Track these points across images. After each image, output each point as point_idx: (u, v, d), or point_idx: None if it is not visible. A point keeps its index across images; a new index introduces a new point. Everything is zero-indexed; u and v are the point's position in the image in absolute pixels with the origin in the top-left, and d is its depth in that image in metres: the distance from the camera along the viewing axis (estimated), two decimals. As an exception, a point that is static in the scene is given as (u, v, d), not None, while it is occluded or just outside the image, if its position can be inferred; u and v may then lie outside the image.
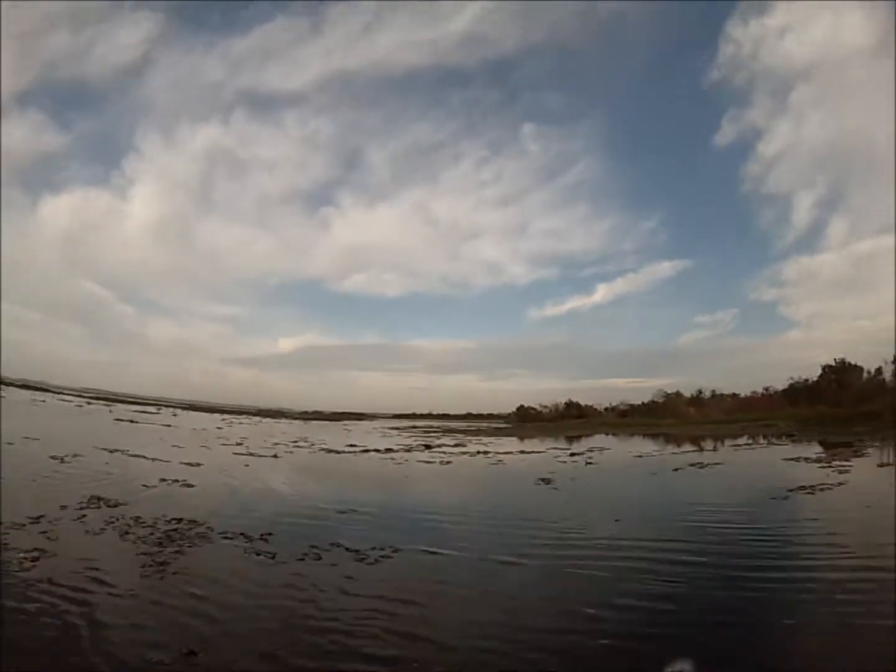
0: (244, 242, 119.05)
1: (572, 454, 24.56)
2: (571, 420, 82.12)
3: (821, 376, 51.17)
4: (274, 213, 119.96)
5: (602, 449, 27.30)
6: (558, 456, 24.02)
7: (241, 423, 48.93)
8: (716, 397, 61.87)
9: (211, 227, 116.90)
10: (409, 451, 26.25)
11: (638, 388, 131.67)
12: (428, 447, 28.67)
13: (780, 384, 55.33)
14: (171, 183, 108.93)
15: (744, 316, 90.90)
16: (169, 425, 35.34)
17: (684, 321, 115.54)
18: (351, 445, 28.30)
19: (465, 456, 24.32)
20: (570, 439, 36.49)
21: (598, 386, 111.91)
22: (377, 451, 25.37)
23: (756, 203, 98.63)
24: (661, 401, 71.41)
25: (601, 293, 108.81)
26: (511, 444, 33.29)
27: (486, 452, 26.00)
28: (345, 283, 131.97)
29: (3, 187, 76.79)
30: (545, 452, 26.79)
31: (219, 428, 38.32)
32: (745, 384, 58.13)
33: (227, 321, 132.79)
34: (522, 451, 27.39)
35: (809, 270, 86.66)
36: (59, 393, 68.37)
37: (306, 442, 29.71)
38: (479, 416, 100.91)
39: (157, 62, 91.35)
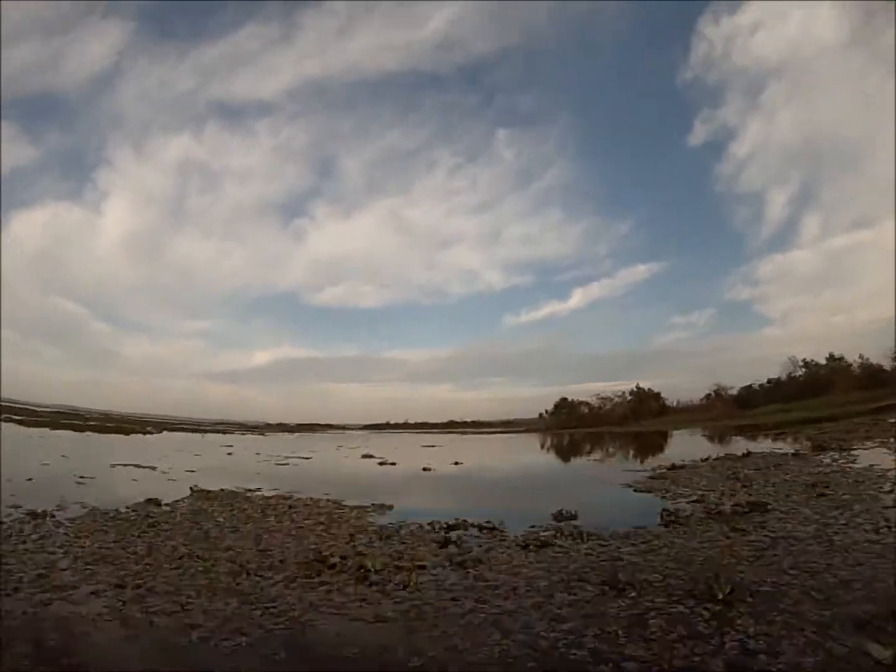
0: (217, 256, 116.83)
1: None
2: (653, 419, 59.65)
3: None
4: (247, 225, 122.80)
5: None
6: None
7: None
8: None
9: (184, 240, 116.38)
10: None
11: (617, 391, 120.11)
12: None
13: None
14: (145, 196, 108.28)
15: (720, 315, 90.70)
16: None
17: (661, 323, 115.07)
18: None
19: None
20: None
21: (577, 391, 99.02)
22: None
23: (729, 202, 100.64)
24: (797, 375, 53.61)
25: (577, 298, 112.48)
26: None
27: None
28: (321, 295, 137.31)
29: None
30: None
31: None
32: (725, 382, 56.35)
33: (202, 336, 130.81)
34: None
35: (784, 267, 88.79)
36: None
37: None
38: (464, 425, 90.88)
39: (128, 72, 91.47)
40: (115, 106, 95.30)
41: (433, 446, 36.61)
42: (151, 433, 51.30)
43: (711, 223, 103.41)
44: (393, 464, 20.84)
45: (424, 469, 18.05)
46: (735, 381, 60.24)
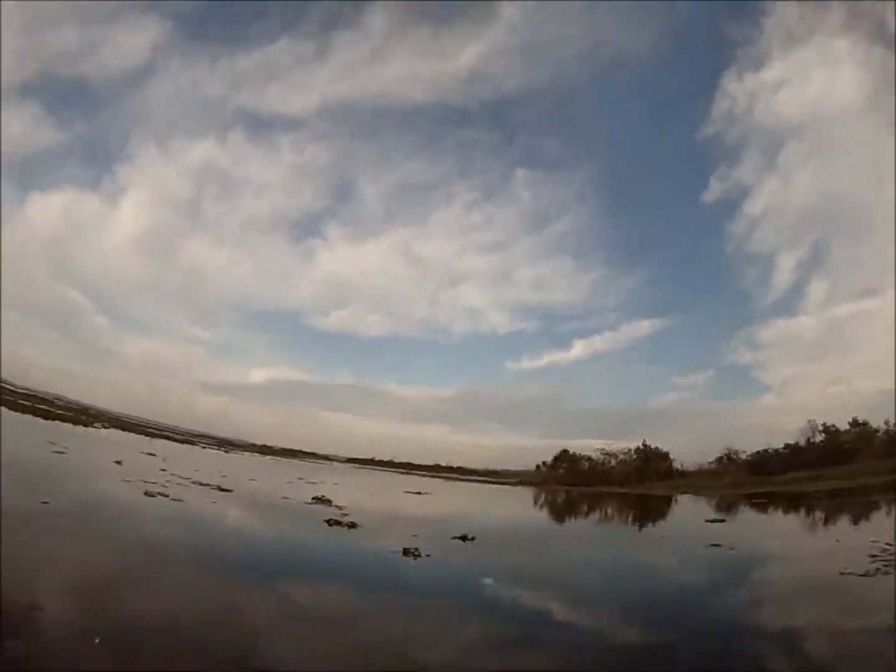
0: (226, 265, 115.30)
1: None
2: (660, 482, 54.01)
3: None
4: (259, 238, 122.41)
5: None
6: None
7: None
8: None
9: (195, 245, 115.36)
10: None
11: (622, 448, 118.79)
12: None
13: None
14: (162, 196, 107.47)
15: (719, 378, 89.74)
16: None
17: (661, 381, 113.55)
18: None
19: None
20: None
21: (572, 446, 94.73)
22: None
23: (739, 262, 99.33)
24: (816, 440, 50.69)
25: (579, 349, 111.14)
26: None
27: None
28: (324, 318, 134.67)
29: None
30: None
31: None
32: (717, 448, 55.37)
33: (202, 343, 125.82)
34: None
35: (787, 333, 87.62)
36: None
37: None
38: (450, 469, 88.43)
39: (161, 70, 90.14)
40: (143, 102, 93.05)
41: (418, 493, 29.16)
42: (97, 427, 44.72)
43: (719, 282, 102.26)
44: (352, 525, 12.65)
45: (407, 552, 9.87)
46: (734, 447, 56.58)
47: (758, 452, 54.91)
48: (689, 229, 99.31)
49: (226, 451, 56.41)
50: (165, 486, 14.38)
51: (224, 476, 20.68)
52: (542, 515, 26.43)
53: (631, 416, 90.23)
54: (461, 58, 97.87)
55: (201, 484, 16.61)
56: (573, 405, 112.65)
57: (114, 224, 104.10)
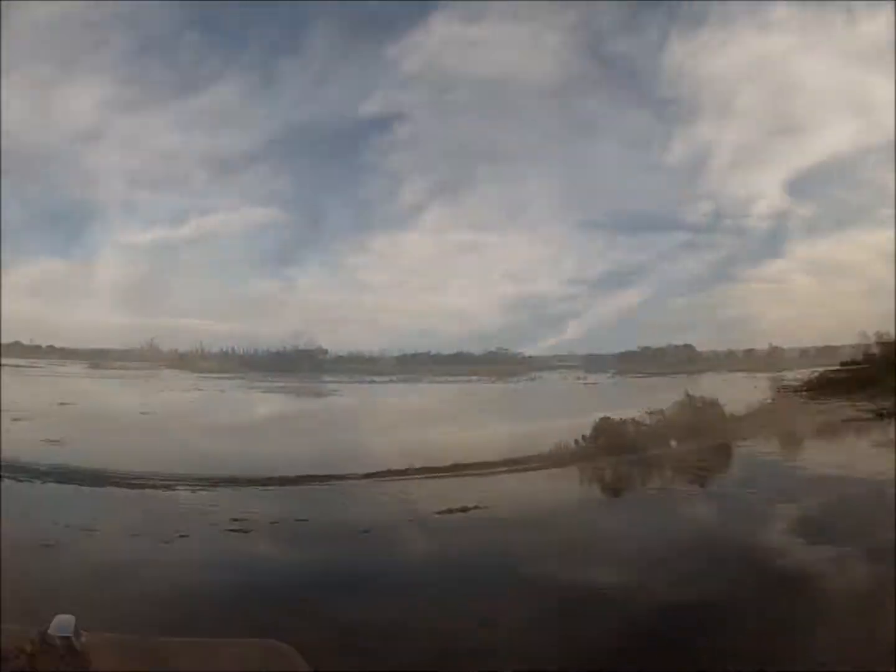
0: (206, 309, 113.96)
1: None
2: (718, 431, 46.64)
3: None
4: (237, 277, 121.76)
5: None
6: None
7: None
8: None
9: (172, 293, 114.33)
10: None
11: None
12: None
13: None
14: (134, 250, 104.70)
15: (709, 332, 79.63)
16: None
17: (655, 345, 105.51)
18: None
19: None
20: None
21: (581, 423, 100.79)
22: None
23: (712, 220, 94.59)
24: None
25: (572, 329, 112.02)
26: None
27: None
28: (315, 342, 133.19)
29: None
30: None
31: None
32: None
33: (196, 390, 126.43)
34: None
35: (775, 278, 78.14)
36: None
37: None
38: (467, 467, 74.21)
39: (113, 126, 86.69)
40: (103, 160, 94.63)
41: (462, 510, 21.48)
42: None
43: (695, 242, 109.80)
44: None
45: None
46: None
47: (808, 381, 50.10)
48: (657, 192, 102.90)
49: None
50: None
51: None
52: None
53: (636, 385, 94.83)
54: (406, 64, 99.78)
55: None
56: (576, 385, 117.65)
57: (90, 285, 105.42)
